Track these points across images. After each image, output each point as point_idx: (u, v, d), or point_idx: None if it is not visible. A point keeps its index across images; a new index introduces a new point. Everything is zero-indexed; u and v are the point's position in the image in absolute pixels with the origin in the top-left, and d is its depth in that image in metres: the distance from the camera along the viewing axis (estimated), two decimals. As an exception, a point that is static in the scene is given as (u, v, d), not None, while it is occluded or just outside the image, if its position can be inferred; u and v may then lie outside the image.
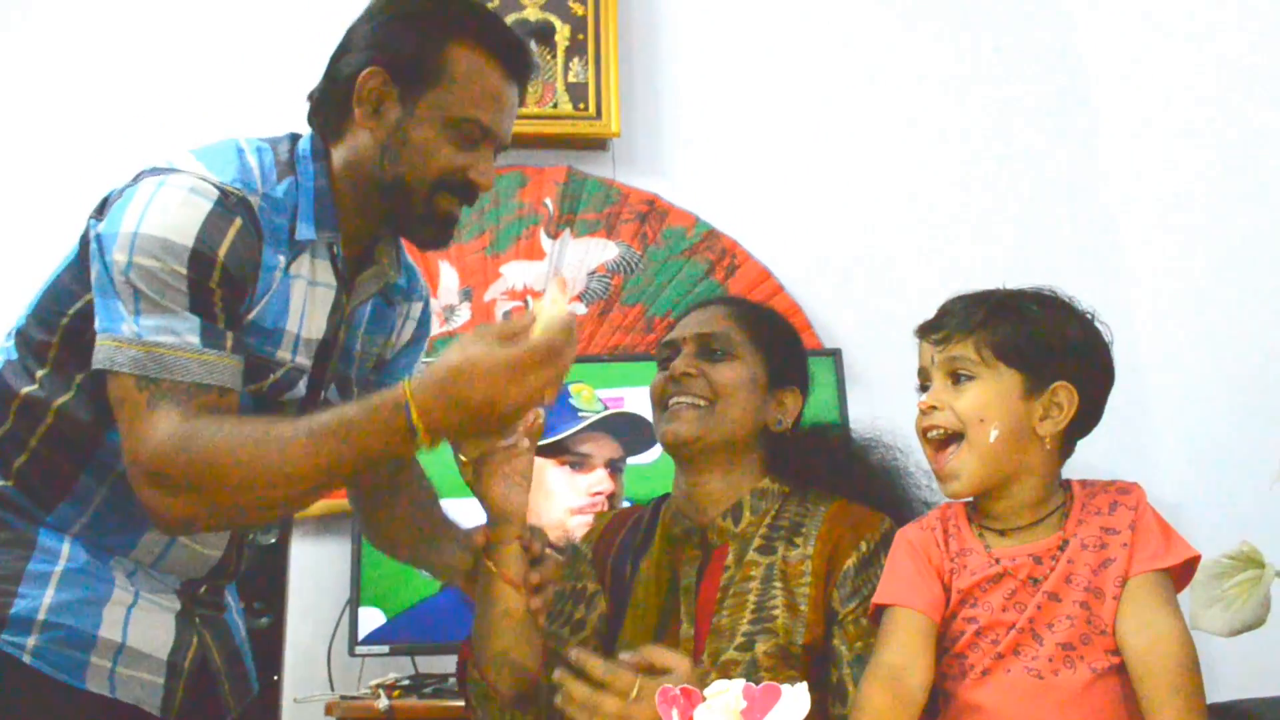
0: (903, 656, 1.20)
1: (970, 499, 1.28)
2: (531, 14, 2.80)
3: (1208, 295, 2.43)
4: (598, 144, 2.72)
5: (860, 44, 2.87)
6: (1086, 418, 1.27)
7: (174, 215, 1.18)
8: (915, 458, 1.50)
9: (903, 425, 1.40)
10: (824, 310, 2.65)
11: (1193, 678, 1.12)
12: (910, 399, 1.32)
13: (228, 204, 1.20)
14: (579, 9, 2.80)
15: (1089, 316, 1.29)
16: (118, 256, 1.18)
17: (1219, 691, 2.05)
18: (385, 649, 2.19)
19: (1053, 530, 1.23)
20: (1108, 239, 2.75)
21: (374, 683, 2.11)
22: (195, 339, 1.18)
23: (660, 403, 1.46)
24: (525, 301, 2.59)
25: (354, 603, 2.20)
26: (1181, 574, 1.21)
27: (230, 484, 1.15)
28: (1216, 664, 2.01)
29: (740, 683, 0.97)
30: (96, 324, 1.19)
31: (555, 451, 2.28)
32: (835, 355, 2.42)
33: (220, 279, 1.19)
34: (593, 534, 1.57)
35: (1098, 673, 1.16)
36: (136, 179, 1.25)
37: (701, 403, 1.40)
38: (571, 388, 2.32)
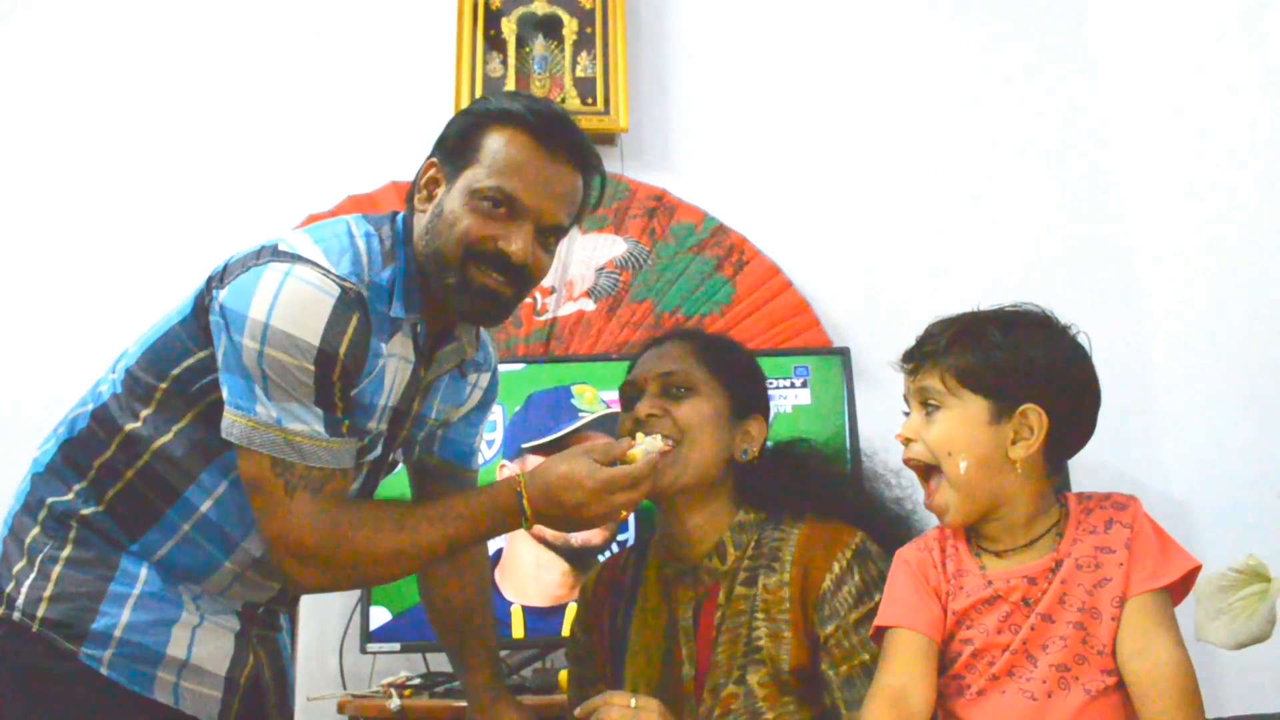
0: (904, 678, 1.22)
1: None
2: (539, 8, 2.80)
3: (1218, 295, 2.42)
4: (606, 139, 2.71)
5: (870, 39, 2.85)
6: (1068, 436, 1.27)
7: (301, 312, 1.28)
8: (882, 457, 1.54)
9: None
10: (832, 306, 2.66)
11: (1192, 700, 1.14)
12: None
13: (346, 300, 1.30)
14: (587, 2, 2.79)
15: (1065, 334, 1.29)
16: (248, 343, 1.27)
17: (1224, 706, 2.06)
18: (396, 646, 2.21)
19: (1048, 550, 1.24)
20: (1120, 239, 2.74)
21: (385, 681, 2.13)
22: (321, 428, 1.30)
23: None
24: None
25: (365, 601, 2.22)
26: (1181, 585, 1.22)
27: (371, 564, 1.33)
28: (1222, 678, 2.03)
29: None
30: (226, 395, 1.30)
31: (553, 449, 2.26)
32: (844, 354, 2.41)
33: (340, 373, 1.31)
34: (586, 592, 1.61)
35: (1092, 694, 1.17)
36: (259, 257, 1.32)
37: (667, 447, 1.41)
38: (575, 389, 2.33)
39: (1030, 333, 1.28)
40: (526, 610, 2.20)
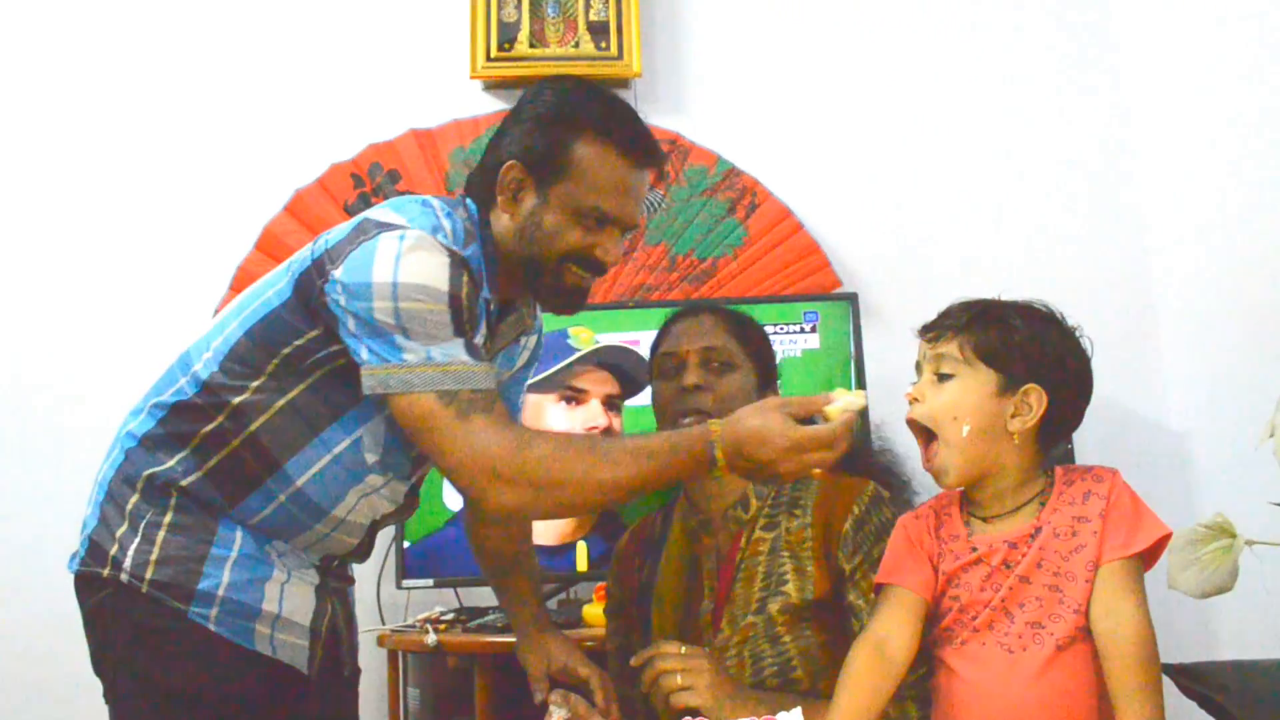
0: (889, 627, 1.37)
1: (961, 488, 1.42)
2: (552, -49, 2.81)
3: (1219, 239, 2.48)
4: (620, 84, 2.75)
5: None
6: (1060, 421, 1.39)
7: (424, 266, 1.37)
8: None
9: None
10: (842, 248, 2.72)
11: (1150, 656, 1.26)
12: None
13: (454, 259, 1.40)
14: (599, -55, 2.80)
15: (1073, 333, 1.41)
16: (379, 304, 1.36)
17: (1217, 651, 2.19)
18: (429, 581, 2.35)
19: (1030, 517, 1.36)
20: (1128, 181, 2.79)
21: (420, 617, 2.27)
22: (467, 356, 1.38)
23: (666, 412, 1.60)
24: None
25: (399, 539, 2.35)
26: (1153, 551, 1.33)
27: (563, 483, 1.35)
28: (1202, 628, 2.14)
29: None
30: (368, 359, 1.37)
31: (551, 386, 2.35)
32: (851, 299, 2.47)
33: (466, 315, 1.40)
34: (618, 551, 1.75)
35: (1061, 647, 1.30)
36: (365, 232, 1.40)
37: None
38: (571, 330, 2.38)
39: (1045, 324, 1.40)
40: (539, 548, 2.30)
